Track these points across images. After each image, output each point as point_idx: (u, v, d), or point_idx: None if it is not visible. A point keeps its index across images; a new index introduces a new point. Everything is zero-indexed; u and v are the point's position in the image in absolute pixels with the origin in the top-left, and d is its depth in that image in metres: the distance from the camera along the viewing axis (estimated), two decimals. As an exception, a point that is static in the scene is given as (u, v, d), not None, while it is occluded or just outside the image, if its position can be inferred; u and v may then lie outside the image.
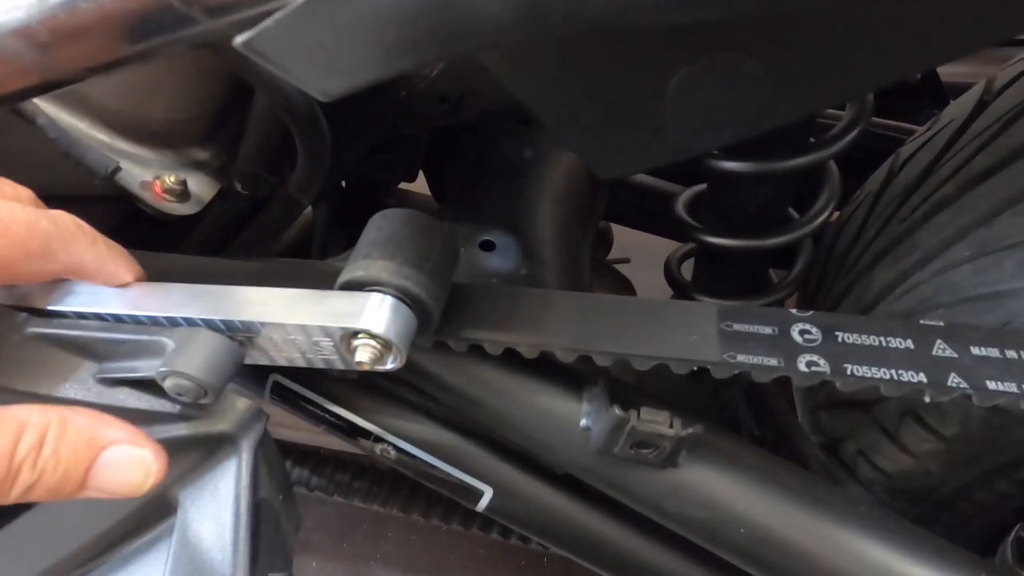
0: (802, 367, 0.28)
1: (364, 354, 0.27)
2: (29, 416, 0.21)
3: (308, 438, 0.63)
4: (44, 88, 0.24)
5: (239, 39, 0.17)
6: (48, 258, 0.26)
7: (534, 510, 0.41)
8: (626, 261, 0.77)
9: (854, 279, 0.51)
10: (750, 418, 0.54)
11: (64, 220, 0.27)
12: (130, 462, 0.23)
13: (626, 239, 0.78)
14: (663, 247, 0.72)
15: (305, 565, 0.85)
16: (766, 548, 0.32)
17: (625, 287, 0.68)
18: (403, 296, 0.28)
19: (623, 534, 0.41)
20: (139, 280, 0.30)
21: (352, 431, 0.42)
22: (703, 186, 0.51)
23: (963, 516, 0.47)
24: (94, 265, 0.29)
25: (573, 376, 0.35)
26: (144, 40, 0.19)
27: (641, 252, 0.76)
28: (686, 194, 0.51)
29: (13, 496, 0.21)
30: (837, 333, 0.29)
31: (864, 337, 0.28)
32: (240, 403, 0.32)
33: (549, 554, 0.83)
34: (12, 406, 0.21)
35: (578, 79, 0.24)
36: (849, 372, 0.27)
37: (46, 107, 0.37)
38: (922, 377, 0.27)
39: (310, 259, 0.55)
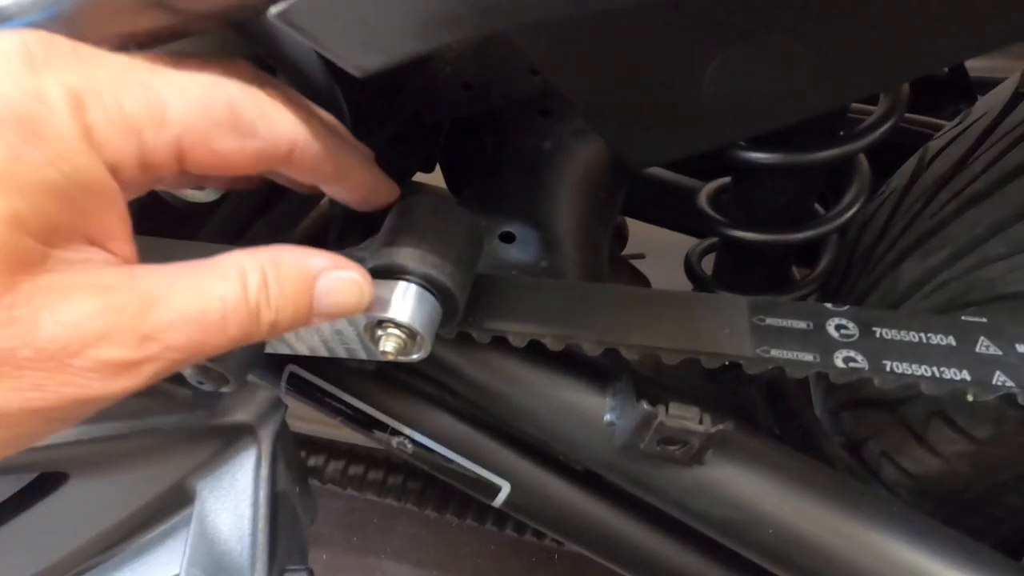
0: (839, 363, 0.27)
1: (389, 344, 0.27)
2: (241, 259, 0.20)
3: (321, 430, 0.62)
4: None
5: (274, 9, 0.16)
6: (243, 131, 0.21)
7: (552, 506, 0.41)
8: (641, 257, 0.76)
9: (880, 276, 0.50)
10: (771, 417, 0.53)
11: (272, 83, 0.23)
12: (343, 285, 0.23)
13: (639, 235, 0.77)
14: (675, 243, 0.71)
15: (316, 558, 0.85)
16: (795, 549, 0.31)
17: (642, 282, 0.67)
18: (428, 285, 0.27)
19: (643, 532, 0.41)
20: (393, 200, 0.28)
21: (368, 423, 0.41)
22: (727, 179, 0.50)
23: (991, 519, 0.46)
24: (313, 151, 0.23)
25: (597, 370, 0.34)
26: (175, 13, 0.19)
27: (654, 248, 0.75)
28: (709, 187, 0.50)
29: (264, 333, 0.21)
30: (875, 328, 0.28)
31: (903, 333, 0.27)
32: (259, 393, 0.32)
33: (561, 550, 0.82)
34: (217, 256, 0.20)
35: (615, 62, 0.23)
36: (888, 369, 0.26)
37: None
38: (965, 375, 0.26)
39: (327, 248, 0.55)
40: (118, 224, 0.19)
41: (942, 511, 0.46)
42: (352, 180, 0.27)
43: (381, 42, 0.17)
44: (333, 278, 0.23)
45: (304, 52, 0.27)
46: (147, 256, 0.20)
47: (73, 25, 0.21)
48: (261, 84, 0.22)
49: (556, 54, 0.23)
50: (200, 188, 0.37)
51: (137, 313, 0.18)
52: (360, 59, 0.17)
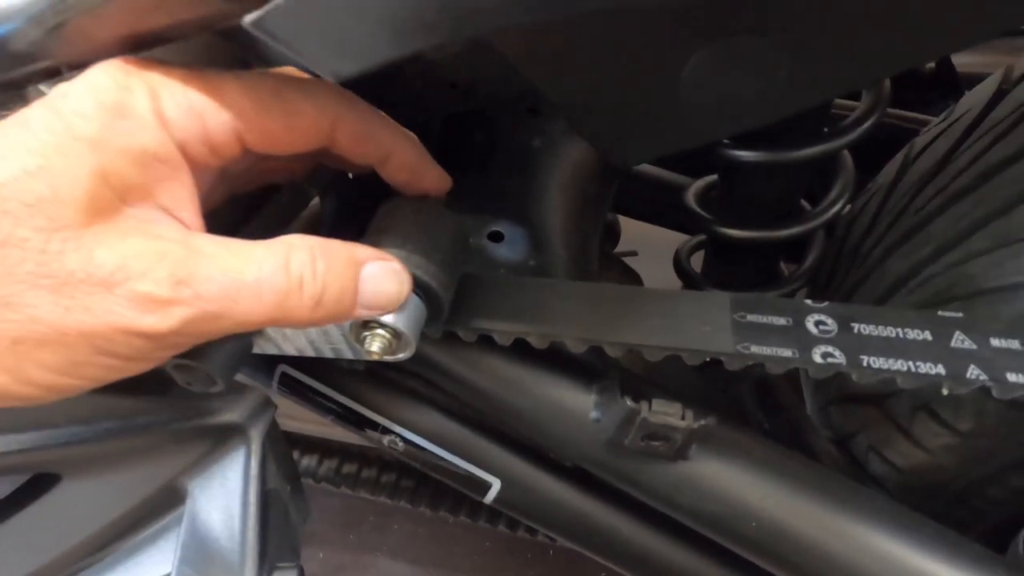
0: (817, 358, 0.27)
1: (375, 344, 0.27)
2: (292, 240, 0.23)
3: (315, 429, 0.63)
4: (53, 73, 0.23)
5: (248, 18, 0.16)
6: (289, 109, 0.24)
7: (542, 502, 0.41)
8: (633, 254, 0.77)
9: (866, 272, 0.50)
10: (760, 413, 0.53)
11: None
12: (386, 274, 0.24)
13: (631, 232, 0.77)
14: (667, 240, 0.71)
15: (312, 556, 0.86)
16: (779, 542, 0.32)
17: (633, 280, 0.68)
18: (413, 285, 0.27)
19: (632, 527, 0.41)
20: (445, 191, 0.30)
21: (359, 422, 0.42)
22: (714, 177, 0.50)
23: (975, 512, 0.46)
24: (353, 127, 0.26)
25: (583, 368, 0.35)
26: (156, 21, 0.19)
27: (645, 245, 0.76)
28: (696, 185, 0.50)
29: (306, 306, 0.22)
30: (853, 324, 0.28)
31: (881, 328, 0.28)
32: (249, 393, 0.32)
33: (555, 547, 0.83)
34: (275, 238, 0.23)
35: (592, 62, 0.24)
36: (866, 364, 0.27)
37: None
38: (940, 369, 0.26)
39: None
40: (186, 197, 0.23)
41: (928, 504, 0.47)
42: (397, 159, 0.28)
43: (355, 49, 0.17)
44: (376, 267, 0.24)
45: (288, 56, 0.27)
46: None
47: (63, 30, 0.21)
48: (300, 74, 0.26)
49: (533, 56, 0.23)
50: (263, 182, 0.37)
51: (179, 260, 0.21)
52: (334, 65, 0.18)
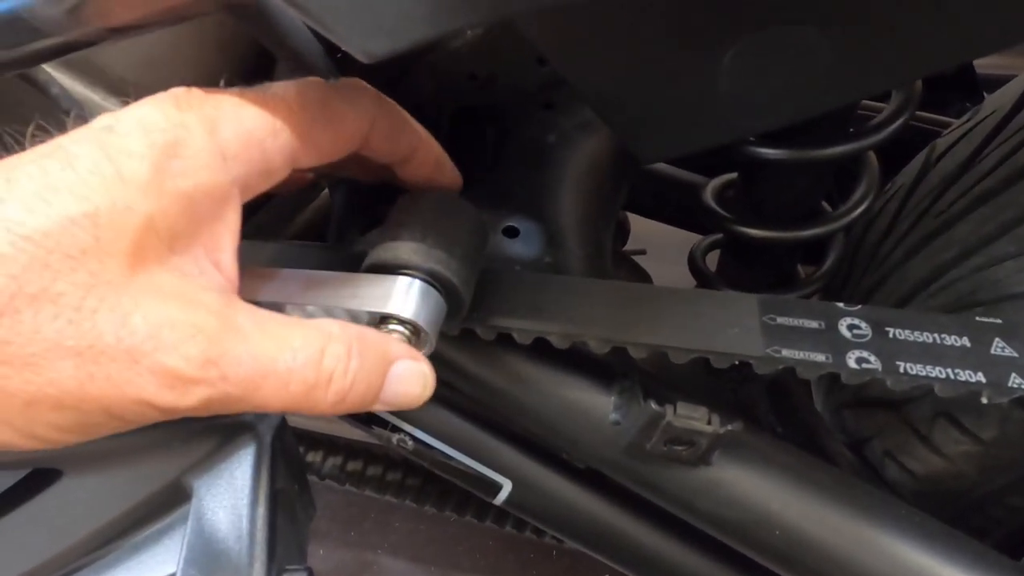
0: (852, 364, 0.26)
1: (392, 340, 0.26)
2: (332, 329, 0.22)
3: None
4: (60, 50, 0.22)
5: (278, -9, 0.15)
6: (335, 119, 0.23)
7: (554, 505, 0.40)
8: (642, 253, 0.76)
9: (885, 274, 0.49)
10: (773, 416, 0.52)
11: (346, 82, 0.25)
12: (413, 375, 0.24)
13: (638, 231, 0.76)
14: (676, 238, 0.70)
15: (313, 553, 0.85)
16: (802, 550, 0.31)
17: (643, 278, 0.67)
18: (433, 280, 0.26)
19: (645, 531, 0.40)
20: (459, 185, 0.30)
21: (368, 419, 0.41)
22: (733, 175, 0.49)
23: (992, 520, 0.45)
24: (387, 127, 0.26)
25: (602, 368, 0.34)
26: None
27: (654, 243, 0.75)
28: (715, 183, 0.49)
29: (329, 402, 0.21)
30: (888, 329, 0.27)
31: (917, 334, 0.27)
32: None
33: (559, 547, 0.82)
34: (319, 319, 0.22)
35: (627, 52, 0.23)
36: (902, 370, 0.26)
37: (60, 77, 0.36)
38: (980, 377, 0.25)
39: (326, 243, 0.54)
40: (228, 237, 0.21)
41: (944, 511, 0.46)
42: (420, 155, 0.28)
43: (390, 26, 0.16)
44: (406, 367, 0.24)
45: (304, 38, 0.26)
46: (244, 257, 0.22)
47: (78, 4, 0.20)
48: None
49: (567, 44, 0.22)
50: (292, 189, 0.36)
51: (213, 337, 0.19)
52: (368, 44, 0.16)
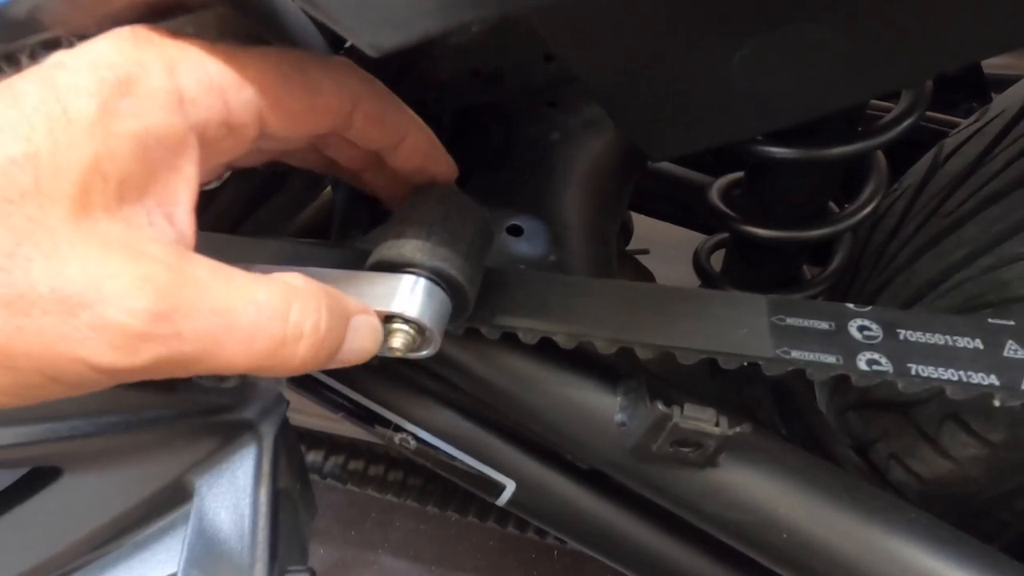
0: (862, 365, 0.26)
1: (397, 340, 0.25)
2: (296, 281, 0.21)
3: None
4: (55, 45, 0.22)
5: (285, -18, 0.15)
6: (312, 87, 0.22)
7: (558, 506, 0.40)
8: (645, 252, 0.75)
9: (892, 275, 0.49)
10: (777, 417, 0.52)
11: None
12: (367, 329, 0.23)
13: (641, 230, 0.76)
14: (679, 238, 0.70)
15: (313, 552, 0.84)
16: (810, 554, 0.31)
17: (646, 278, 0.66)
18: (438, 278, 0.26)
19: (650, 532, 0.40)
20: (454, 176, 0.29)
21: (371, 419, 0.41)
22: (739, 174, 0.49)
23: (1000, 523, 0.45)
24: (372, 108, 0.24)
25: (607, 369, 0.33)
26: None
27: (656, 243, 0.74)
28: (721, 182, 0.49)
29: (299, 359, 0.20)
30: (899, 330, 0.27)
31: (928, 335, 0.27)
32: (261, 389, 0.31)
33: (560, 548, 0.82)
34: (280, 271, 0.21)
35: (639, 48, 0.22)
36: (914, 372, 0.25)
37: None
38: (994, 379, 0.25)
39: (328, 240, 0.54)
40: (184, 190, 0.20)
41: (951, 515, 0.46)
42: (410, 142, 0.27)
43: (398, 19, 0.15)
44: (361, 321, 0.23)
45: (306, 30, 0.26)
46: (204, 251, 0.20)
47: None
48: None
49: (578, 39, 0.22)
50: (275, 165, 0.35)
51: (163, 289, 0.17)
52: (375, 37, 0.16)
